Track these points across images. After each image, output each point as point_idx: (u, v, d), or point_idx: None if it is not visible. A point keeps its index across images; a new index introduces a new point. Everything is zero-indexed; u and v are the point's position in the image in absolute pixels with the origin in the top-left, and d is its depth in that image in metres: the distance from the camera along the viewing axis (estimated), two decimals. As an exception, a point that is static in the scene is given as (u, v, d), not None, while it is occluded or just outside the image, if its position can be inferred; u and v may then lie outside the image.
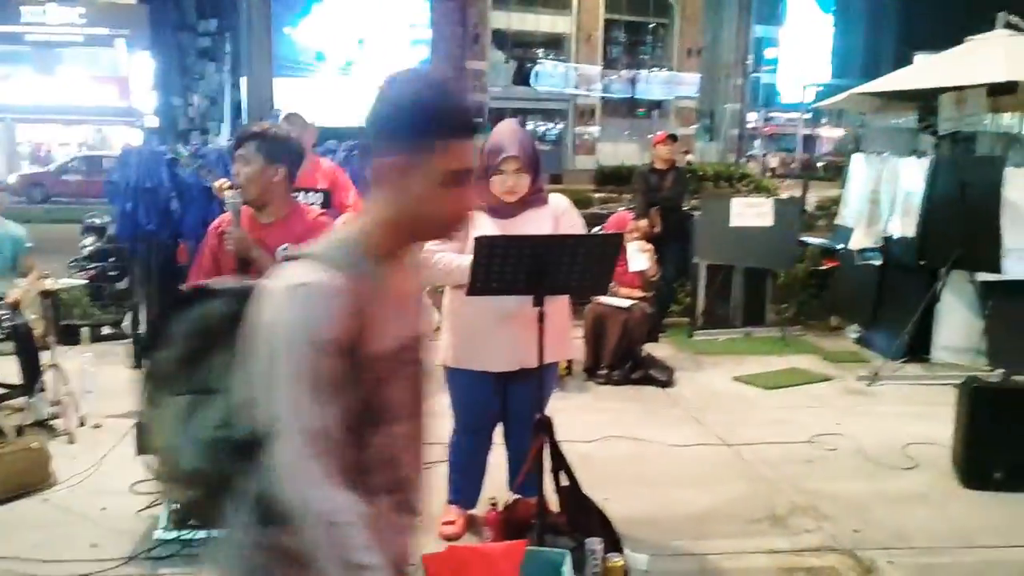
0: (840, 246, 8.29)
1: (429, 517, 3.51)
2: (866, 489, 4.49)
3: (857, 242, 7.73)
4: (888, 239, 7.39)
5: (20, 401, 5.32)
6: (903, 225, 7.14)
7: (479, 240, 3.08)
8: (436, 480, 4.08)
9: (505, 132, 3.46)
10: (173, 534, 3.62)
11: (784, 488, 4.48)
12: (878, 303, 7.59)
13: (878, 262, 7.59)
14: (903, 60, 10.36)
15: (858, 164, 8.12)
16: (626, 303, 6.43)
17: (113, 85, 31.81)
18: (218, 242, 3.02)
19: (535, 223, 3.47)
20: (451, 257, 3.39)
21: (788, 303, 8.46)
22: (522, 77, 32.95)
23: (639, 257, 6.51)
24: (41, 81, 30.63)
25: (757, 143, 43.38)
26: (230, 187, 2.89)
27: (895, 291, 7.39)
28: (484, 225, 3.44)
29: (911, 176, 7.16)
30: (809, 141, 42.90)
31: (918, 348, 6.90)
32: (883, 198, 7.44)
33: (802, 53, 46.95)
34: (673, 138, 8.08)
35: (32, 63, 30.93)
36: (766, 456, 4.95)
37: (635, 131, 34.79)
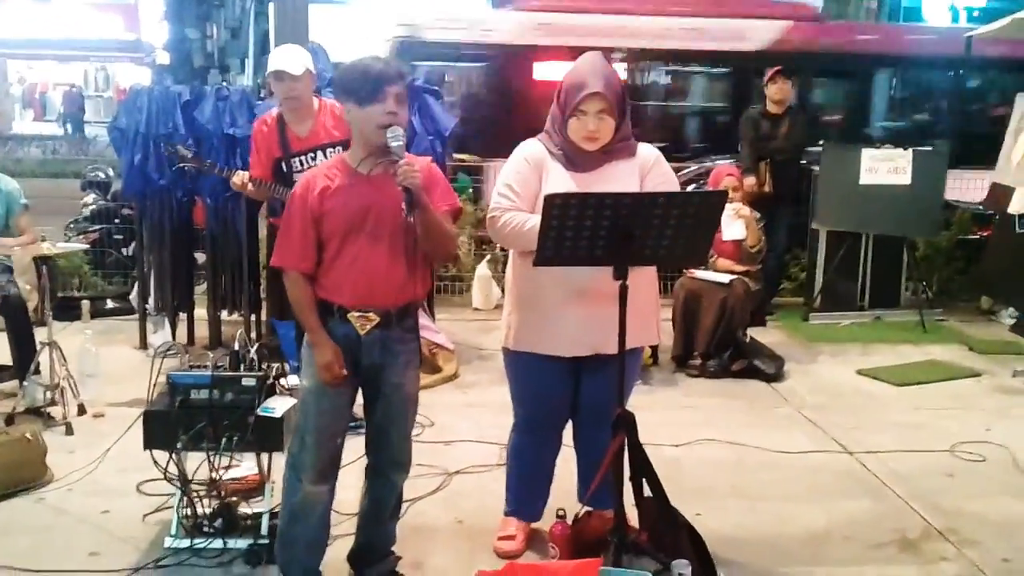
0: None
1: (485, 530, 3.54)
2: (1020, 510, 4.40)
3: (1019, 205, 7.52)
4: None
5: (11, 385, 5.52)
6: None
7: (548, 199, 3.08)
8: (494, 487, 4.14)
9: (588, 66, 3.46)
10: (185, 543, 3.71)
11: (917, 506, 4.41)
12: (1043, 281, 7.40)
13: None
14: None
15: (1023, 108, 7.87)
16: (725, 278, 6.37)
17: (118, 14, 32.46)
18: (319, 202, 3.13)
19: (620, 179, 3.45)
20: (523, 217, 3.40)
21: (929, 280, 8.30)
22: None
23: (734, 224, 6.43)
24: (34, 10, 31.38)
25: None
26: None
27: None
28: (558, 179, 3.44)
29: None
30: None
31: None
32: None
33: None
34: (784, 72, 7.93)
35: (24, -11, 31.72)
36: (896, 467, 4.87)
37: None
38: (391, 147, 3.06)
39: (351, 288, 3.15)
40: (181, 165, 5.47)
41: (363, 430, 3.42)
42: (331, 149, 4.88)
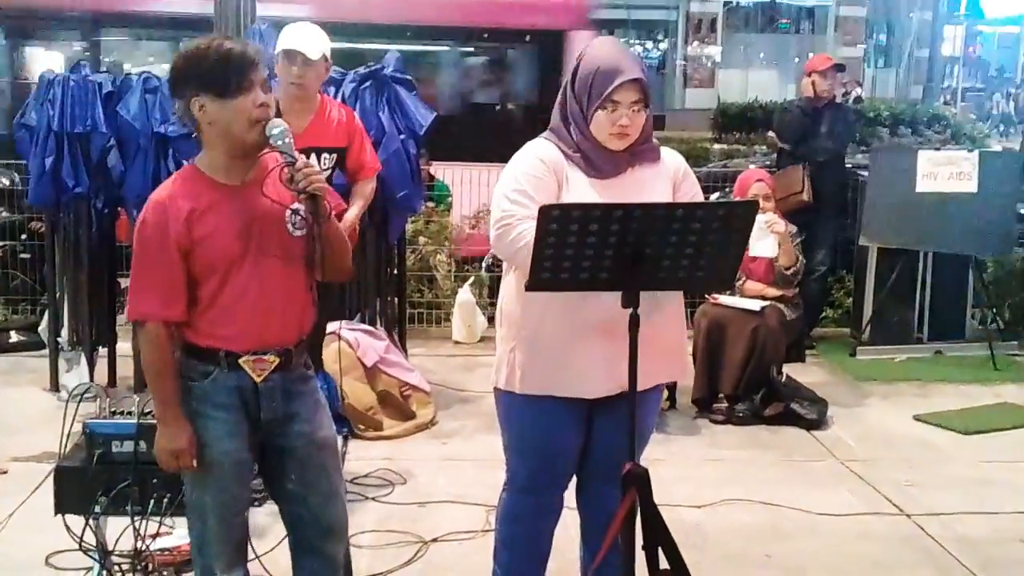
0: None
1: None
2: (1114, 584, 4.41)
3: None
4: None
5: None
6: None
7: (543, 210, 3.05)
8: (478, 558, 4.13)
9: (616, 49, 3.47)
10: (105, 625, 3.70)
11: (990, 580, 4.42)
12: None
13: None
14: None
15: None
16: (756, 305, 6.38)
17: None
18: (186, 230, 3.00)
19: (650, 188, 3.44)
20: (531, 227, 3.26)
21: (999, 307, 8.33)
22: (609, -26, 32.86)
23: (764, 239, 6.36)
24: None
25: (957, 71, 42.70)
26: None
27: None
28: (578, 187, 3.42)
29: None
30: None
31: None
32: None
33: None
34: (839, 67, 7.98)
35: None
36: (963, 532, 4.88)
37: (774, 53, 34.51)
38: (279, 145, 2.95)
39: (240, 328, 3.02)
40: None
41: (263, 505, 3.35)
42: (327, 155, 4.98)
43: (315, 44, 4.92)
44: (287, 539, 3.32)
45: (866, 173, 8.17)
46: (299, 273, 3.06)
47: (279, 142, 2.95)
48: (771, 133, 9.07)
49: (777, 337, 6.38)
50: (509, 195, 3.41)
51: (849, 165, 8.49)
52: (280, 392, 3.10)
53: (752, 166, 9.42)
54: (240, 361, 3.04)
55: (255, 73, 2.97)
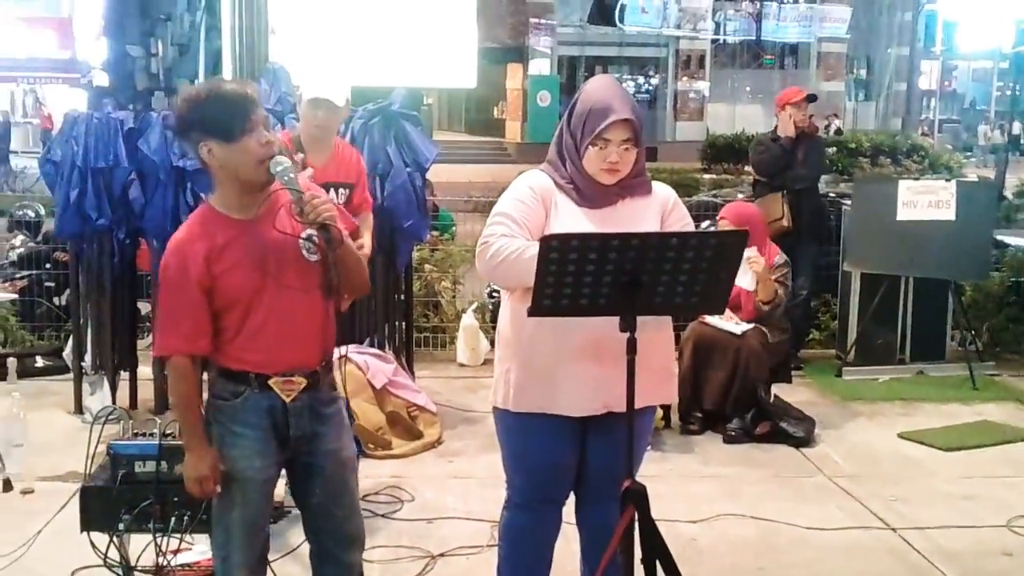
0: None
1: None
2: (1091, 594, 4.40)
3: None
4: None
5: (-73, 455, 5.48)
6: None
7: (545, 240, 3.08)
8: (484, 571, 4.12)
9: (609, 89, 3.49)
10: (128, 638, 3.69)
11: (973, 591, 4.41)
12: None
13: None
14: None
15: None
16: (738, 328, 6.37)
17: (50, 29, 32.71)
18: (206, 268, 3.04)
19: (639, 218, 3.47)
20: (519, 244, 3.34)
21: (978, 329, 8.33)
22: (604, 12, 32.96)
23: (746, 274, 6.29)
24: (-44, 25, 31.59)
25: (933, 104, 42.84)
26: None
27: None
28: (569, 216, 3.44)
29: None
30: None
31: None
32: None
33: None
34: (811, 98, 8.01)
35: (-56, 1, 31.94)
36: (946, 545, 4.86)
37: (760, 88, 34.62)
38: (284, 181, 2.98)
39: (268, 352, 3.07)
40: None
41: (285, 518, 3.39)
42: (342, 189, 5.06)
43: (340, 91, 5.00)
44: (309, 548, 3.38)
45: (849, 202, 8.18)
46: (318, 298, 3.09)
47: (284, 178, 2.98)
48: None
49: (759, 357, 6.37)
50: (494, 218, 3.48)
51: (832, 194, 8.50)
52: (308, 412, 3.15)
53: (740, 196, 9.43)
54: (270, 382, 3.09)
55: (256, 113, 3.02)
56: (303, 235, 3.03)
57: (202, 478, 3.05)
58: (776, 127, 7.95)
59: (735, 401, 6.35)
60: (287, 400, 3.11)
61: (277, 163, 2.99)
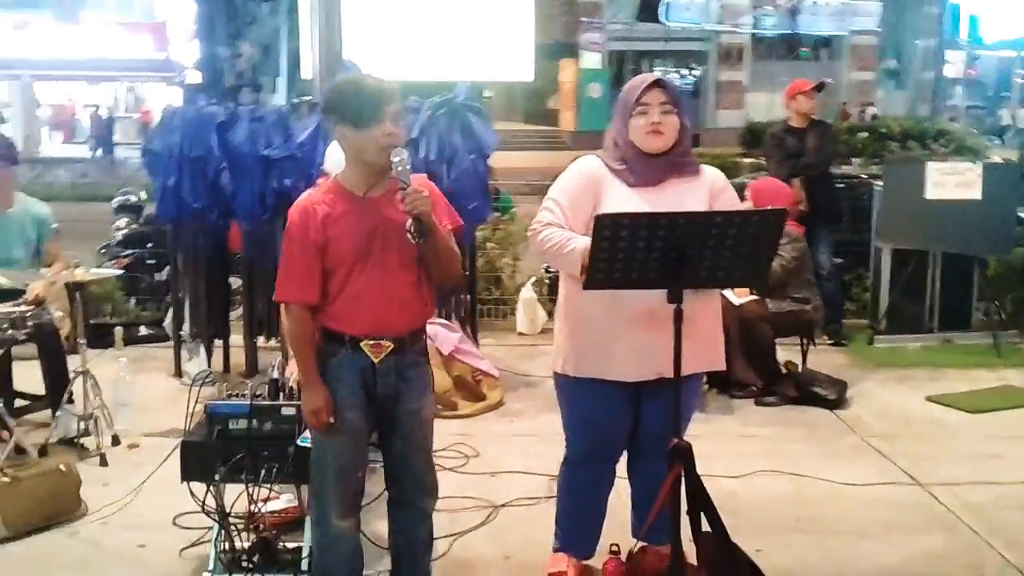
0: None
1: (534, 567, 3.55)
2: (1107, 546, 4.32)
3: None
4: None
5: (44, 415, 5.61)
6: None
7: (598, 220, 3.09)
8: (543, 521, 4.14)
9: (641, 75, 3.61)
10: (223, 578, 3.76)
11: (995, 542, 4.35)
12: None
13: None
14: None
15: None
16: (736, 300, 6.29)
17: (147, 33, 33.10)
18: (323, 230, 3.14)
19: (687, 198, 3.46)
20: (563, 236, 3.41)
21: (1001, 301, 8.20)
22: (649, 10, 32.75)
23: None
24: (62, 31, 32.04)
25: (959, 91, 42.00)
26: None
27: None
28: (619, 196, 3.45)
29: None
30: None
31: None
32: None
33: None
34: (820, 87, 7.85)
35: (52, 9, 32.41)
36: (970, 500, 4.81)
37: (796, 77, 34.10)
38: (396, 171, 3.07)
39: (362, 316, 3.17)
40: None
41: (377, 465, 3.45)
42: None
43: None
44: (387, 496, 3.46)
45: (880, 183, 8.08)
46: (412, 275, 3.19)
47: (397, 169, 3.08)
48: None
49: (760, 325, 6.26)
50: (546, 203, 3.56)
51: (864, 176, 8.37)
52: (394, 373, 3.24)
53: (763, 174, 9.28)
54: (361, 344, 3.19)
55: (388, 106, 3.12)
56: (409, 221, 3.09)
57: (317, 410, 3.17)
58: (789, 117, 7.82)
59: (755, 369, 6.32)
60: (375, 361, 3.20)
61: (395, 154, 3.08)
